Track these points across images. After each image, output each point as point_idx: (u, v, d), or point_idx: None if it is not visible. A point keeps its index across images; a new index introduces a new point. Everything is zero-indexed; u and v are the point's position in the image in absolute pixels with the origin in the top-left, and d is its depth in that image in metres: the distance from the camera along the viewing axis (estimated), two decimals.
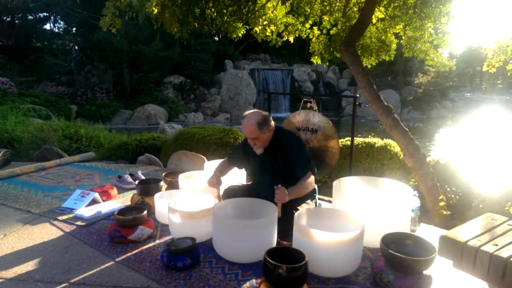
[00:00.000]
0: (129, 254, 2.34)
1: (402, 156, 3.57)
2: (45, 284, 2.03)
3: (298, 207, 2.42)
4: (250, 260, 2.19)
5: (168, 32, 3.85)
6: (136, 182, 3.24)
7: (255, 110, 2.55)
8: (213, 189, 2.69)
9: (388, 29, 4.05)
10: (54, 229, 2.75)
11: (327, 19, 4.24)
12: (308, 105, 3.33)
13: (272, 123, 2.52)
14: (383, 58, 4.26)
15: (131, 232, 2.46)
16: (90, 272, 2.15)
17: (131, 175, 3.86)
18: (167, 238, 2.57)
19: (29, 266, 2.22)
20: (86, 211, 2.97)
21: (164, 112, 15.75)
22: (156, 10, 3.55)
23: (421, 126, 16.21)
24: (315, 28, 4.42)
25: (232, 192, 2.69)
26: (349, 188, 2.82)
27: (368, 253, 2.34)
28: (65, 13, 18.60)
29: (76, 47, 17.01)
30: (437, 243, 1.90)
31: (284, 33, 4.43)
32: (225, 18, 3.89)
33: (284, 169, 2.54)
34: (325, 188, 3.85)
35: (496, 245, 1.73)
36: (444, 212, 3.17)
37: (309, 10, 4.18)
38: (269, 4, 4.09)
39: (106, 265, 2.23)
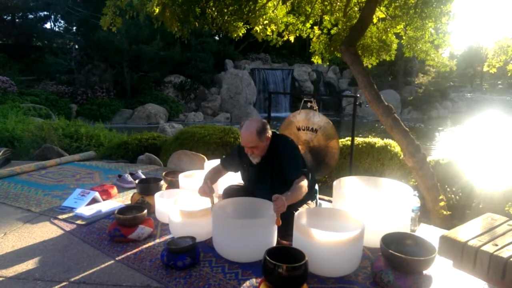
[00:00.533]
0: (129, 253, 2.34)
1: (402, 156, 3.57)
2: (45, 283, 2.03)
3: (299, 207, 2.42)
4: (250, 259, 2.19)
5: (169, 31, 3.86)
6: (136, 181, 3.24)
7: (253, 118, 2.48)
8: (216, 189, 2.66)
9: (388, 29, 4.05)
10: (54, 228, 2.75)
11: (328, 18, 4.24)
12: (309, 104, 3.33)
13: (270, 131, 2.45)
14: (383, 58, 4.26)
15: (131, 231, 2.46)
16: (90, 271, 2.15)
17: (131, 174, 3.86)
18: (167, 237, 2.57)
19: (29, 264, 2.22)
20: (86, 210, 2.97)
21: (164, 112, 15.75)
22: (157, 9, 3.55)
23: (422, 126, 16.20)
24: (315, 27, 4.42)
25: (232, 192, 2.68)
26: (349, 188, 2.82)
27: (368, 253, 2.34)
28: (65, 12, 18.59)
29: (77, 46, 16.99)
30: (437, 243, 1.90)
31: (284, 33, 4.43)
32: (226, 18, 3.88)
33: (282, 176, 2.46)
34: (325, 188, 3.85)
35: (496, 245, 1.73)
36: (444, 212, 3.17)
37: (309, 10, 4.17)
38: (269, 4, 4.09)
39: (106, 264, 2.23)
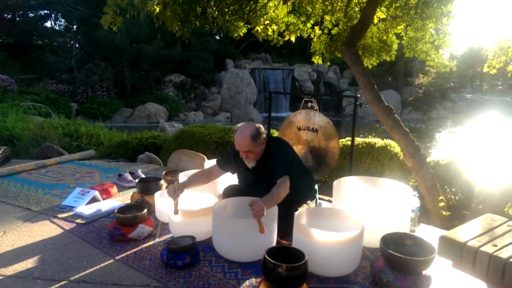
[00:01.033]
0: (128, 252, 2.34)
1: (402, 156, 3.57)
2: (44, 282, 2.03)
3: (298, 207, 2.42)
4: (250, 259, 2.19)
5: (169, 30, 3.86)
6: (136, 180, 3.24)
7: (247, 122, 2.45)
8: (214, 189, 2.65)
9: (389, 30, 4.05)
10: (54, 227, 2.75)
11: (329, 18, 4.24)
12: (309, 104, 3.33)
13: (265, 135, 2.42)
14: (384, 58, 4.26)
15: (131, 230, 2.46)
16: (90, 270, 2.15)
17: (131, 173, 3.86)
18: (167, 236, 2.57)
19: (28, 263, 2.22)
20: (86, 209, 2.97)
21: (164, 111, 15.74)
22: (157, 9, 3.55)
23: (423, 127, 16.20)
24: (316, 27, 4.42)
25: (232, 192, 2.68)
26: (349, 188, 2.82)
27: (368, 253, 2.35)
28: (66, 10, 18.57)
29: (77, 45, 16.95)
30: (437, 243, 1.90)
31: (285, 33, 4.43)
32: (227, 17, 3.89)
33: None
34: (325, 188, 3.86)
35: (496, 245, 1.73)
36: (444, 213, 3.18)
37: (310, 10, 4.18)
38: (270, 4, 4.09)
39: (106, 263, 2.23)
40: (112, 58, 16.31)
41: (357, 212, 2.26)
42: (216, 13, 3.83)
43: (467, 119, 18.05)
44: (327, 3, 4.13)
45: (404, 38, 4.05)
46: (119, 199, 3.36)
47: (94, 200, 3.18)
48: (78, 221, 2.82)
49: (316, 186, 2.74)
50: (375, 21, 3.99)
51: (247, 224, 2.16)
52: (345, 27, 4.16)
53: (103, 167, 4.55)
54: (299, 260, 1.75)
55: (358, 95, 3.43)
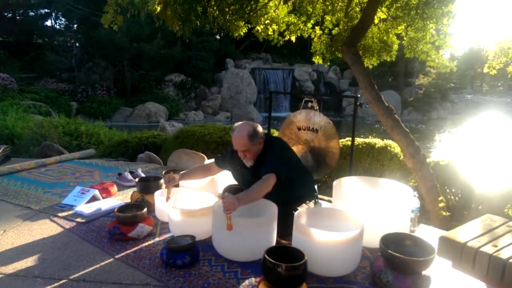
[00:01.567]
0: (128, 251, 2.34)
1: (402, 156, 3.58)
2: (44, 280, 2.03)
3: (298, 207, 2.42)
4: (250, 258, 2.19)
5: (170, 30, 3.86)
6: (136, 179, 3.24)
7: (245, 121, 2.45)
8: (214, 189, 2.65)
9: (390, 30, 4.05)
10: (54, 226, 2.75)
11: (329, 19, 4.24)
12: (310, 104, 3.33)
13: (262, 134, 2.41)
14: (384, 58, 4.26)
15: (130, 229, 2.46)
16: (90, 269, 2.15)
17: (131, 172, 3.86)
18: (167, 235, 2.57)
19: (28, 262, 2.22)
20: (86, 208, 2.97)
21: (164, 110, 15.74)
22: (158, 8, 3.55)
23: (423, 128, 16.21)
24: (317, 27, 4.42)
25: (232, 191, 2.67)
26: (349, 188, 2.82)
27: (368, 253, 2.35)
28: (66, 9, 18.57)
29: (77, 44, 16.96)
30: (437, 243, 1.90)
31: (286, 33, 4.44)
32: (227, 17, 3.89)
33: None
34: (325, 188, 3.86)
35: (496, 246, 1.73)
36: (444, 213, 3.18)
37: (311, 10, 4.18)
38: (271, 3, 4.09)
39: (106, 262, 2.23)
40: (112, 57, 16.31)
41: (357, 212, 2.26)
42: (217, 12, 3.83)
43: (467, 119, 18.06)
44: (327, 3, 4.13)
45: (405, 38, 4.05)
46: (119, 198, 3.36)
47: (94, 199, 3.18)
48: (78, 220, 2.82)
49: (316, 186, 2.74)
50: (376, 21, 3.99)
51: (247, 223, 2.16)
52: (345, 27, 4.16)
53: (103, 166, 4.55)
54: (298, 260, 1.75)
55: (359, 95, 3.43)
